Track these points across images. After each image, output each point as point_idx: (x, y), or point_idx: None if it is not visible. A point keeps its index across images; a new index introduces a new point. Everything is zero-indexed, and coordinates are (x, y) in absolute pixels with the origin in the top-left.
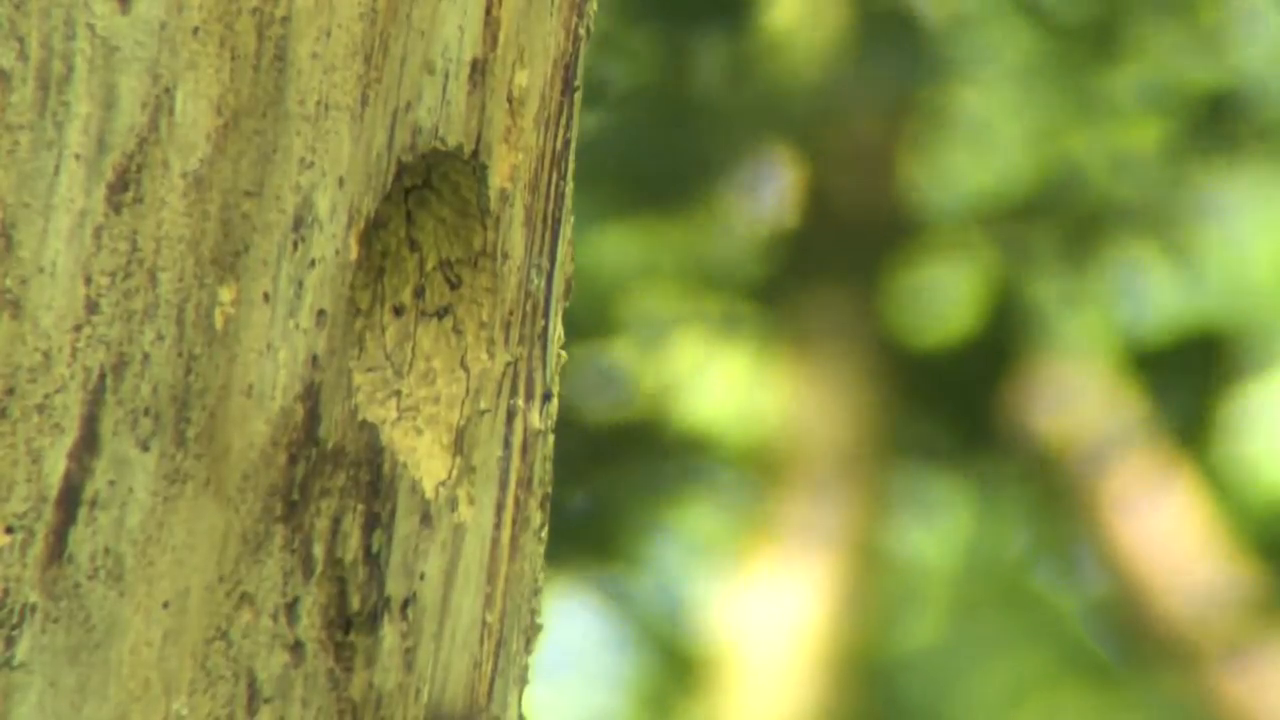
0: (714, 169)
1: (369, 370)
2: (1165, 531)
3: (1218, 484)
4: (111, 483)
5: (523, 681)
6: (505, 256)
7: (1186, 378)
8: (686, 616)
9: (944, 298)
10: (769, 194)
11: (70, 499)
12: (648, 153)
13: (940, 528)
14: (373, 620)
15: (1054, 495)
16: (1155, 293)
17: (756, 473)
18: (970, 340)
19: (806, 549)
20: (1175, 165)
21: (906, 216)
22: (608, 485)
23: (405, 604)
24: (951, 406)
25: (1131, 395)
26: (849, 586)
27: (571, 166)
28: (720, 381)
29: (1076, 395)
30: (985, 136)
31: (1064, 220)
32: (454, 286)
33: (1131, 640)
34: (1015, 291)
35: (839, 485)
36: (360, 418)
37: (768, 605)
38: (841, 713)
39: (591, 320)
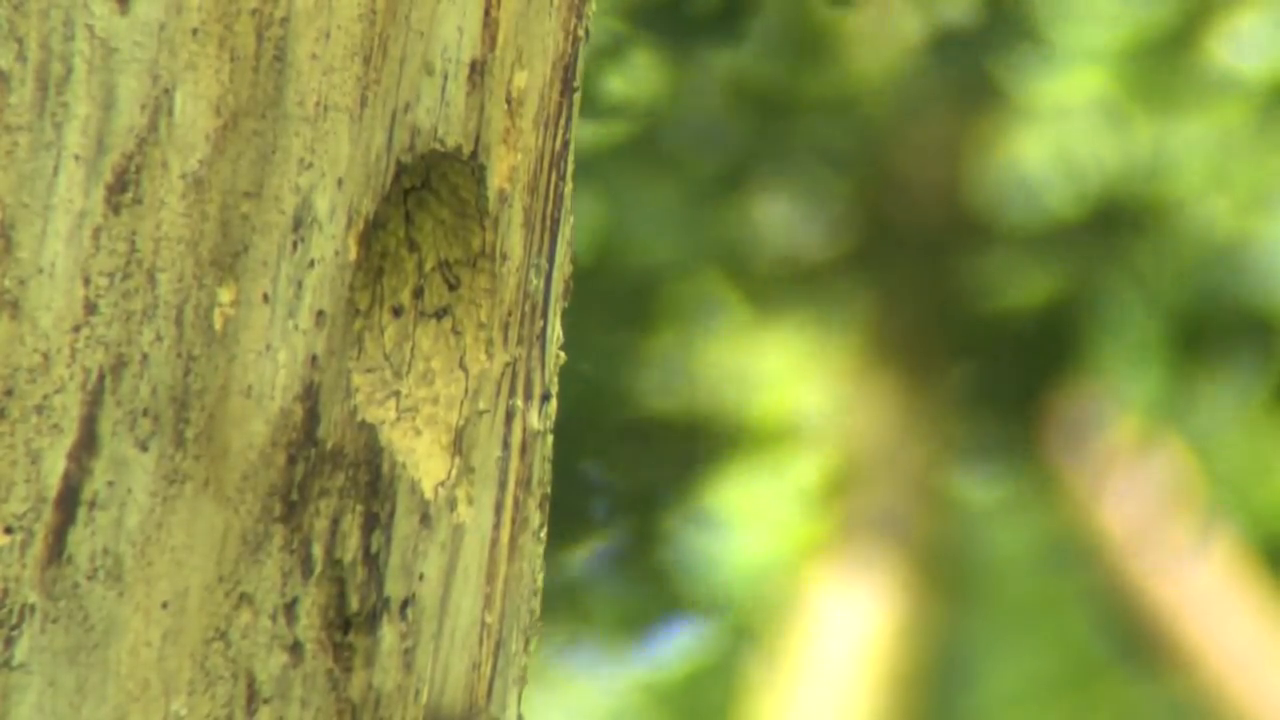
0: (771, 157)
1: (368, 371)
2: (1197, 584)
3: (1236, 467)
4: (110, 483)
5: (521, 681)
6: (504, 257)
7: (1247, 369)
8: (745, 616)
9: (1007, 290)
10: (832, 183)
11: (69, 499)
12: (704, 141)
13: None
14: (372, 620)
15: (1076, 513)
16: (1218, 284)
17: (818, 469)
18: (1028, 336)
19: (871, 552)
20: (1245, 154)
21: (974, 208)
22: (659, 476)
23: (404, 604)
24: (1000, 404)
25: (1173, 452)
26: (913, 591)
27: (571, 167)
28: (780, 374)
29: (1095, 401)
30: (1058, 127)
31: (1130, 214)
32: (453, 287)
33: (1137, 641)
34: (1078, 287)
35: (904, 485)
36: (359, 418)
37: (830, 608)
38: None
39: (643, 309)
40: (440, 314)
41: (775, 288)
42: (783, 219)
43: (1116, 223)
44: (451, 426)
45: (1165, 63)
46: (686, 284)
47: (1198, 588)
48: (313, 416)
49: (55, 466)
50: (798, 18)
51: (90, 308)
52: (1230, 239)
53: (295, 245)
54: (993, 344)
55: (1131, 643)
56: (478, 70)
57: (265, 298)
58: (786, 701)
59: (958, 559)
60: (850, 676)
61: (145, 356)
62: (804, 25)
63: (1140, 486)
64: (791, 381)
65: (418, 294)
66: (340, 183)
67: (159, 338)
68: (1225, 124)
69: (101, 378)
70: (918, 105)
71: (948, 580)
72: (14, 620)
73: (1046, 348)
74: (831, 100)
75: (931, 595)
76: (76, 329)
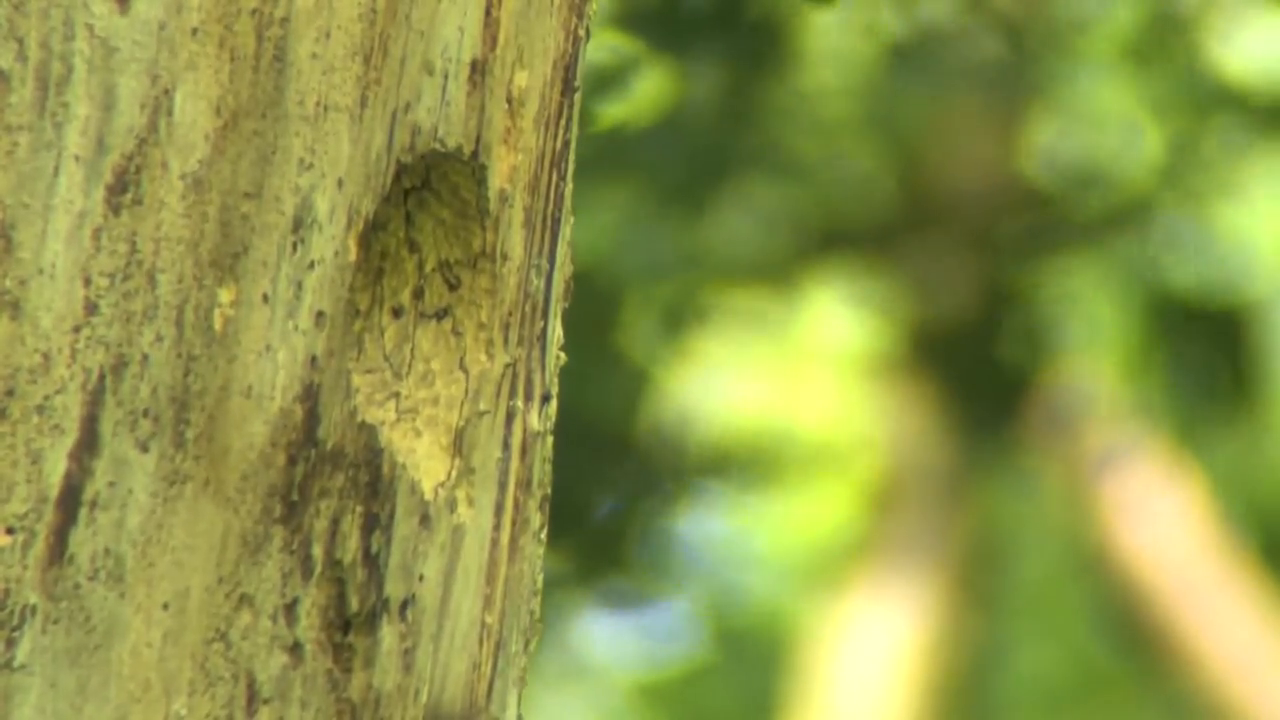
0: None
1: (368, 371)
2: (1169, 535)
3: (1236, 467)
4: (111, 484)
5: (521, 682)
6: (504, 258)
7: (1211, 352)
8: (777, 630)
9: (996, 284)
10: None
11: (70, 500)
12: (692, 144)
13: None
14: (372, 621)
15: (1065, 497)
16: (1178, 269)
17: (851, 484)
18: (988, 327)
19: (904, 567)
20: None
21: (972, 207)
22: (683, 493)
23: (404, 605)
24: (990, 399)
25: (1143, 394)
26: (947, 606)
27: (571, 167)
28: (809, 383)
29: (1089, 399)
30: (1053, 127)
31: (1096, 205)
32: (453, 288)
33: (1137, 643)
34: (1066, 282)
35: (934, 497)
36: (359, 419)
37: (862, 624)
38: None
39: (619, 317)
40: (440, 315)
41: (776, 293)
42: (752, 225)
43: (1104, 219)
44: (451, 427)
45: (1158, 64)
46: (673, 291)
47: (1197, 587)
48: (313, 417)
49: (56, 467)
50: (769, 21)
51: (91, 308)
52: (1213, 235)
53: (295, 246)
54: (983, 338)
55: (1133, 644)
56: (478, 70)
57: (265, 298)
58: (821, 713)
59: (989, 568)
60: (883, 688)
61: (146, 357)
62: (774, 28)
63: (1136, 486)
64: (820, 391)
65: (418, 294)
66: (340, 183)
67: (159, 338)
68: (1218, 125)
69: (102, 378)
70: (893, 108)
71: (980, 590)
72: (15, 621)
73: (1034, 342)
74: (798, 106)
75: (964, 605)
76: (77, 329)
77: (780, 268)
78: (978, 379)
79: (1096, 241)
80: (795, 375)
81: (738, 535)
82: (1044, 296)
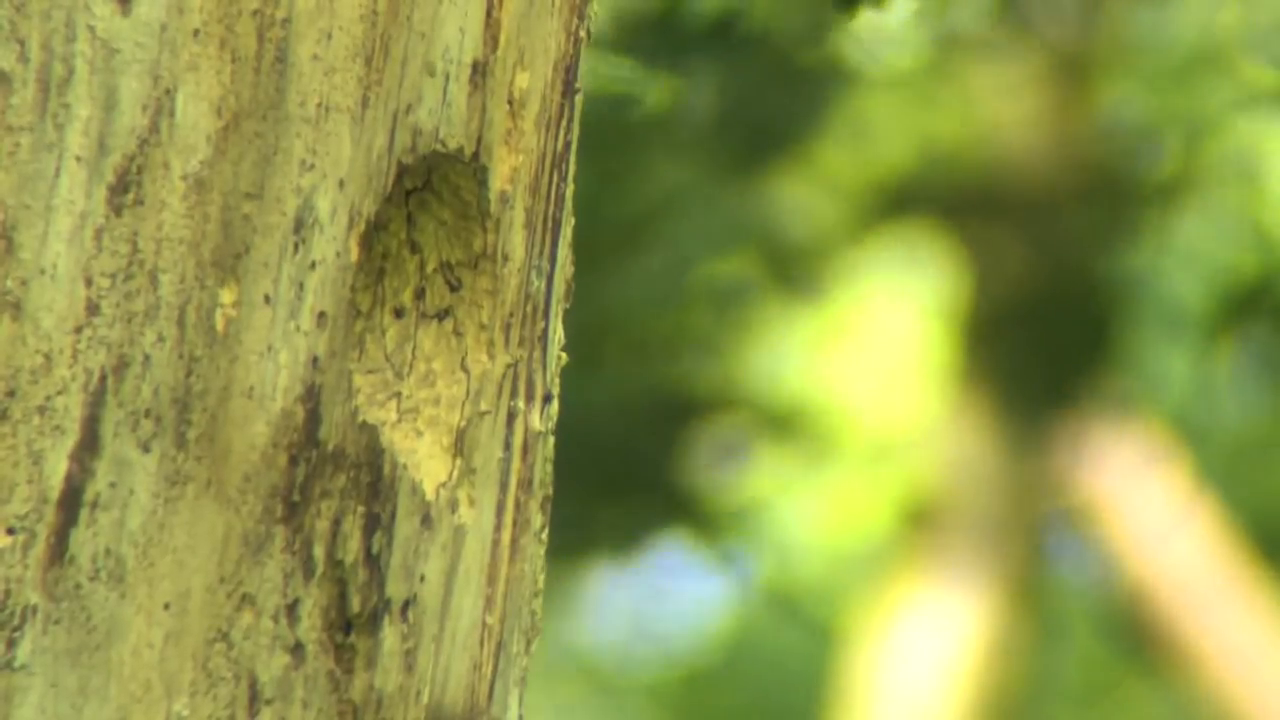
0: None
1: (369, 372)
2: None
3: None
4: (113, 484)
5: (523, 683)
6: (505, 258)
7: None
8: (822, 638)
9: (1051, 272)
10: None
11: (71, 500)
12: (750, 114)
13: None
14: (373, 622)
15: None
16: (1233, 251)
17: (898, 480)
18: (1043, 313)
19: (956, 579)
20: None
21: (1022, 187)
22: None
23: (406, 605)
24: (1039, 390)
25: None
26: (1000, 621)
27: (572, 168)
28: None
29: (1133, 420)
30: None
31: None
32: (454, 288)
33: (1142, 645)
34: (1119, 272)
35: (988, 498)
36: (361, 419)
37: (910, 627)
38: None
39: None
40: (442, 315)
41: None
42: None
43: (1164, 205)
44: (453, 428)
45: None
46: (727, 267)
47: (1198, 587)
48: (314, 418)
49: (57, 467)
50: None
51: (92, 308)
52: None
53: (297, 246)
54: (1036, 326)
55: (1138, 646)
56: (479, 71)
57: (267, 299)
58: (868, 714)
59: (1041, 570)
60: (931, 691)
61: (147, 357)
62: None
63: (1148, 488)
64: (875, 376)
65: (419, 295)
66: (342, 184)
67: (161, 339)
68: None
69: (103, 379)
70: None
71: (1032, 593)
72: (16, 621)
73: (1087, 331)
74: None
75: (1017, 609)
76: (78, 330)
77: (840, 240)
78: (1037, 360)
79: (1157, 223)
80: (850, 356)
81: (779, 528)
82: (1106, 277)
